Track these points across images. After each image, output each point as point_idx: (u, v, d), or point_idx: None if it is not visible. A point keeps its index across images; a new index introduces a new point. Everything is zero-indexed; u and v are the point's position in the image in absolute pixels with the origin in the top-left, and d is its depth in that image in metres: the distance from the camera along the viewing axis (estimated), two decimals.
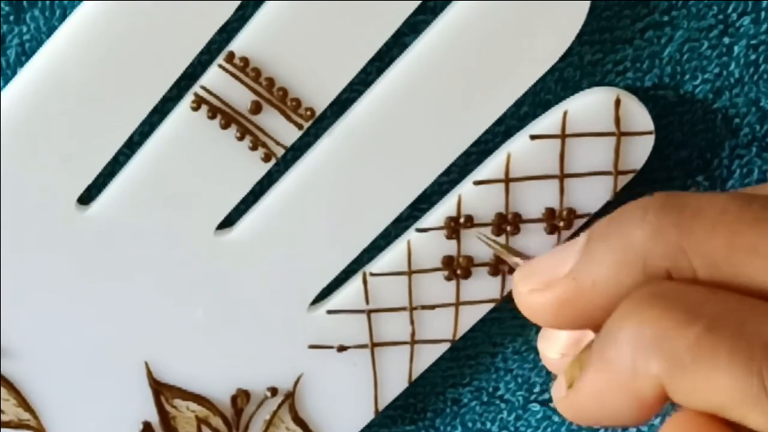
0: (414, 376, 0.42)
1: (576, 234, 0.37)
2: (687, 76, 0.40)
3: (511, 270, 0.40)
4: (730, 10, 0.39)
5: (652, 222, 0.27)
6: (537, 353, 0.38)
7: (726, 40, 0.40)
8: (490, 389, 0.45)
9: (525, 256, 0.32)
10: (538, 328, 0.41)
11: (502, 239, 0.39)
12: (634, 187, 0.40)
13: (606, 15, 0.39)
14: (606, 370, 0.27)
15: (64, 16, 0.38)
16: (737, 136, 0.41)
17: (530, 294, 0.30)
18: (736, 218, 0.27)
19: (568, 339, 0.31)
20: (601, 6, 0.39)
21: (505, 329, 0.44)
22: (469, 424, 0.45)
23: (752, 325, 0.26)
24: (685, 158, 0.41)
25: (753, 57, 0.40)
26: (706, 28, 0.39)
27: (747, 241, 0.26)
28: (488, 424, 0.45)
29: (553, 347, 0.32)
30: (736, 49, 0.40)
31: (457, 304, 0.40)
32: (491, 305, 0.41)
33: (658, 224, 0.27)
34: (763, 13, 0.39)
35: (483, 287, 0.40)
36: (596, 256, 0.28)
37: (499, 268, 0.40)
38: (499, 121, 0.39)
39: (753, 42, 0.40)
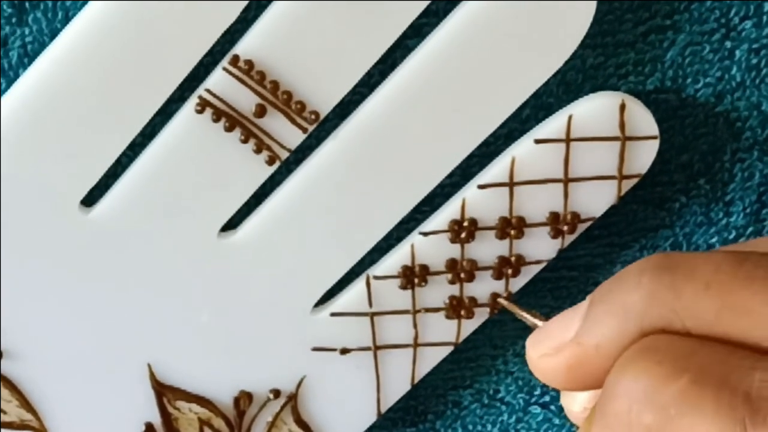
0: (416, 379, 0.42)
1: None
2: (689, 80, 0.40)
3: (515, 272, 0.40)
4: (731, 13, 0.39)
5: (646, 285, 0.28)
6: None
7: (728, 43, 0.40)
8: (491, 392, 0.45)
9: (542, 318, 0.33)
10: None
11: (506, 243, 0.39)
12: (636, 191, 0.40)
13: (608, 19, 0.39)
14: (607, 425, 0.28)
15: (66, 18, 0.38)
16: (739, 140, 0.41)
17: (540, 359, 0.31)
18: (730, 277, 0.28)
19: (590, 392, 0.32)
20: (603, 9, 0.39)
21: (506, 332, 0.44)
22: (470, 427, 0.45)
23: (737, 376, 0.27)
24: (687, 162, 0.41)
25: (755, 61, 0.40)
26: (708, 32, 0.40)
27: (738, 300, 0.27)
28: (489, 427, 0.45)
29: (576, 402, 0.33)
30: (737, 52, 0.40)
31: (461, 307, 0.40)
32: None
33: (652, 287, 0.28)
34: (764, 17, 0.39)
35: (486, 291, 0.40)
36: (597, 321, 0.29)
37: (502, 271, 0.40)
38: (501, 124, 0.39)
39: (755, 46, 0.40)
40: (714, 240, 0.42)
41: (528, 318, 0.33)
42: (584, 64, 0.40)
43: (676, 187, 0.42)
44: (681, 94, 0.40)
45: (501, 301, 0.37)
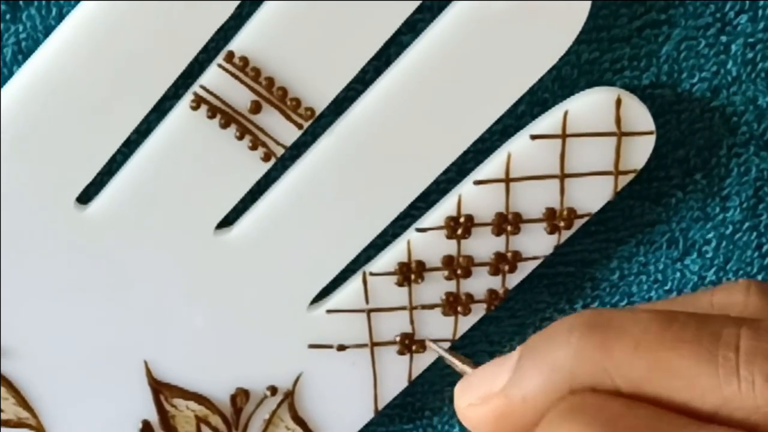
0: (413, 376, 0.42)
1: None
2: (684, 75, 0.40)
3: (511, 268, 0.40)
4: (727, 8, 0.39)
5: (576, 343, 0.28)
6: None
7: (723, 38, 0.40)
8: None
9: (472, 365, 0.33)
10: (535, 329, 0.42)
11: (502, 239, 0.39)
12: (632, 186, 0.40)
13: (603, 14, 0.39)
14: None
15: (60, 15, 0.38)
16: (735, 135, 0.41)
17: (468, 408, 0.31)
18: (657, 338, 0.28)
19: None
20: (598, 5, 0.39)
21: (503, 328, 0.44)
22: None
23: None
24: (683, 157, 0.41)
25: (750, 55, 0.40)
26: (704, 27, 0.40)
27: (666, 362, 0.27)
28: None
29: None
30: (733, 47, 0.40)
31: (457, 303, 0.40)
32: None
33: (582, 345, 0.28)
34: (760, 12, 0.39)
35: (483, 287, 0.40)
36: (526, 374, 0.29)
37: (498, 267, 0.40)
38: (497, 120, 0.39)
39: (750, 40, 0.40)
40: (711, 235, 0.42)
41: (457, 364, 0.33)
42: (579, 60, 0.40)
43: (672, 182, 0.42)
44: (677, 89, 0.40)
45: (429, 343, 0.37)
